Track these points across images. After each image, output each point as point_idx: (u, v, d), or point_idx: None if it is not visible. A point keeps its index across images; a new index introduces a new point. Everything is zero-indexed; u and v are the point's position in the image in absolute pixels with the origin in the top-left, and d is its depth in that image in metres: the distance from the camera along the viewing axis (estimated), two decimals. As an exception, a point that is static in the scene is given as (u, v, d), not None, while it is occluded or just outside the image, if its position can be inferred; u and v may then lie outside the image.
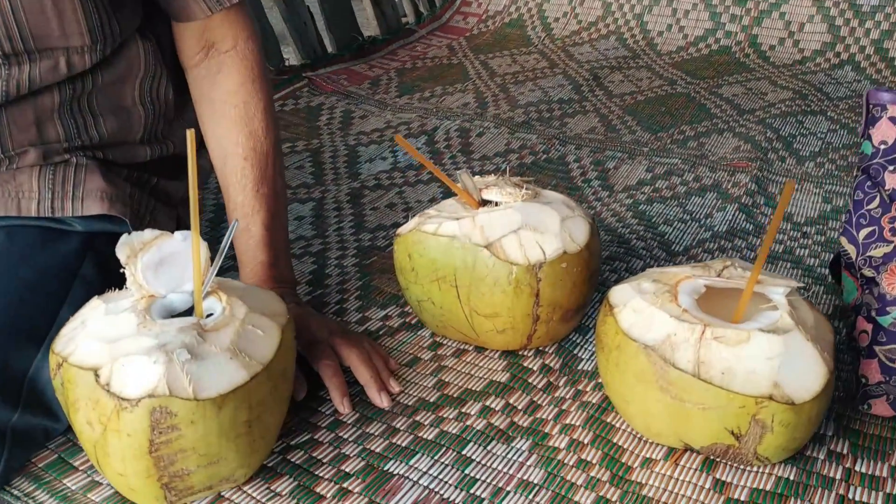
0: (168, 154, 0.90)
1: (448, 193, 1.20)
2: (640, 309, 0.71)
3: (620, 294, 0.74)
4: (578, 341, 0.89)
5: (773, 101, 1.65)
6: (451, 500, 0.68)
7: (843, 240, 0.80)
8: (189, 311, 0.67)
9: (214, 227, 1.16)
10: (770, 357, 0.65)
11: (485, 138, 1.50)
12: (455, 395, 0.81)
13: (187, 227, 0.65)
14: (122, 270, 0.65)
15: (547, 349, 0.87)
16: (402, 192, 1.29)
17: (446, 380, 0.83)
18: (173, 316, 0.66)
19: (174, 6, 0.82)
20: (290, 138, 1.49)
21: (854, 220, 0.78)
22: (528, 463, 0.72)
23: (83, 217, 0.79)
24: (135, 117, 0.85)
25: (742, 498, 0.67)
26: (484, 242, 0.80)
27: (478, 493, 0.68)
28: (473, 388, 0.82)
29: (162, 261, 0.66)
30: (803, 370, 0.65)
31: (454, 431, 0.76)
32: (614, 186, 1.30)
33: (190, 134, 0.61)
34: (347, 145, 1.47)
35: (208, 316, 0.66)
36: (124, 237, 0.64)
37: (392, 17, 2.16)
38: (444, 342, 0.90)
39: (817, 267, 1.04)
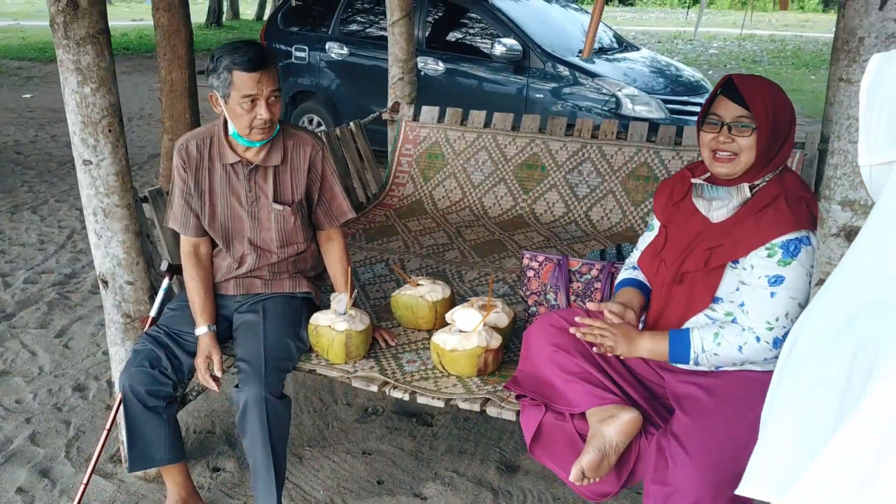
0: (318, 272, 2.81)
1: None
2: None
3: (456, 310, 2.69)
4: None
5: (533, 245, 3.70)
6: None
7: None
8: (344, 312, 2.57)
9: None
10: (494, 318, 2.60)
11: (412, 266, 3.45)
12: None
13: (327, 294, 2.57)
14: (320, 307, 2.55)
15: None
16: (384, 290, 3.21)
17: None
18: (340, 313, 2.56)
19: (318, 223, 2.75)
20: (325, 266, 3.41)
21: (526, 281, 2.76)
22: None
23: (301, 291, 2.68)
24: (309, 262, 2.76)
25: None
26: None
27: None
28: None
29: (338, 301, 2.56)
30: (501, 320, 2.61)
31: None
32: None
33: (348, 291, 2.54)
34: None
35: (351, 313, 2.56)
36: (334, 296, 2.55)
37: (355, 200, 4.14)
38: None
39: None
